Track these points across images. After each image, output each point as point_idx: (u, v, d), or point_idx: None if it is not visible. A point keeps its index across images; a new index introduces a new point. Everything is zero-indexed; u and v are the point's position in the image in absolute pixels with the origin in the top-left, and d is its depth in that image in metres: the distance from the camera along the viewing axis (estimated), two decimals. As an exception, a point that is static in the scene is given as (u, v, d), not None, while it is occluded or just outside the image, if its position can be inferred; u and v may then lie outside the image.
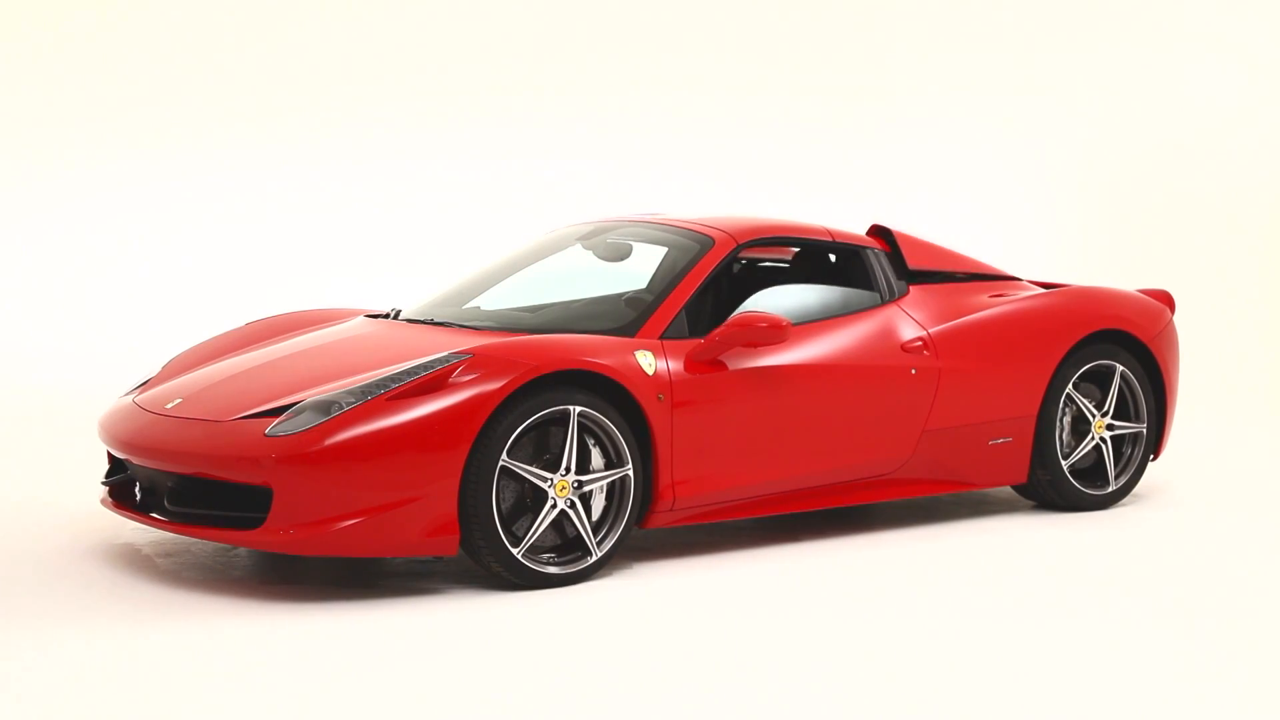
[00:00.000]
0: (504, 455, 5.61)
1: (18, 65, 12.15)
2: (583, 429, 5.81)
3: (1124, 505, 7.35)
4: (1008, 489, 7.61)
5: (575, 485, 5.78)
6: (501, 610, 5.50)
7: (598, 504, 5.87)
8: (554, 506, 5.75)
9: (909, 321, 6.84)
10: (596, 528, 5.89)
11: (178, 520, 5.80)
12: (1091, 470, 7.28)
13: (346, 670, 4.81)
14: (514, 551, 5.66)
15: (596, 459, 5.86)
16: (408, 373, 5.66)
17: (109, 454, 6.38)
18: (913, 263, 7.09)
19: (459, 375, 5.60)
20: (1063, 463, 7.12)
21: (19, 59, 12.16)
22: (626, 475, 5.90)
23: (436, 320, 6.64)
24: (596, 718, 4.42)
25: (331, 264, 12.04)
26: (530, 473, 5.70)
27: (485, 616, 5.43)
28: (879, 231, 7.22)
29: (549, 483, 5.73)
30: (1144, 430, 7.34)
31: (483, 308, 6.86)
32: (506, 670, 4.83)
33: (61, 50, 12.21)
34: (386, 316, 6.99)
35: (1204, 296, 12.20)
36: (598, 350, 5.91)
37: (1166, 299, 7.77)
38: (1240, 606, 5.67)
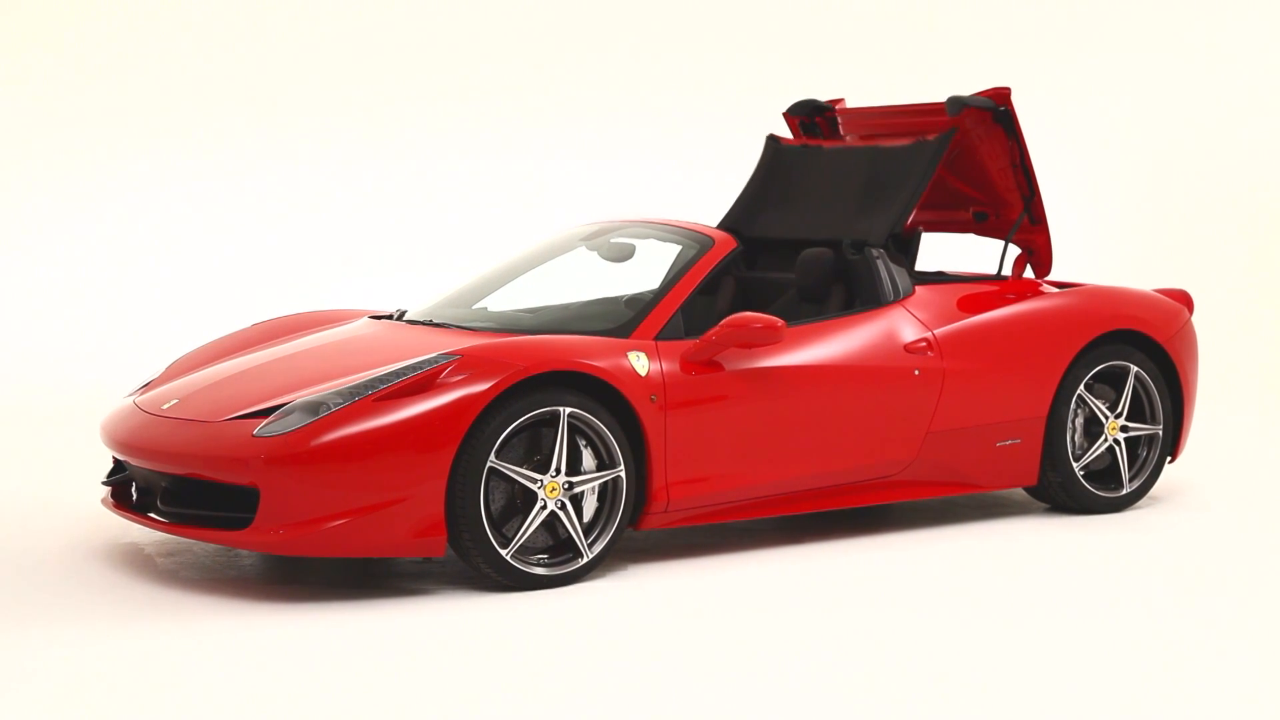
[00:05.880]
0: (492, 456, 5.59)
1: (21, 69, 12.24)
2: (574, 430, 5.77)
3: (1140, 508, 7.23)
4: (1022, 491, 7.51)
5: (565, 486, 5.75)
6: (496, 612, 5.47)
7: (589, 505, 5.84)
8: (543, 508, 5.72)
9: (913, 322, 6.75)
10: (588, 529, 5.85)
11: (171, 520, 5.82)
12: (1106, 472, 7.18)
13: (341, 671, 4.81)
14: (502, 553, 5.64)
15: (588, 460, 5.82)
16: (396, 374, 5.65)
17: (112, 454, 6.41)
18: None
19: (447, 376, 5.59)
20: (1074, 465, 7.01)
21: (22, 62, 12.25)
22: (619, 477, 5.86)
23: (436, 321, 6.63)
24: (572, 720, 4.40)
25: (340, 265, 12.06)
26: (519, 474, 5.67)
27: (479, 618, 5.40)
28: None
29: (538, 484, 5.70)
30: (1159, 432, 7.22)
31: (489, 309, 6.85)
32: (498, 672, 4.81)
33: (66, 54, 12.28)
34: (390, 318, 6.99)
35: (1228, 297, 12.03)
36: (588, 351, 5.88)
37: (1185, 299, 7.65)
38: (1258, 611, 5.55)
